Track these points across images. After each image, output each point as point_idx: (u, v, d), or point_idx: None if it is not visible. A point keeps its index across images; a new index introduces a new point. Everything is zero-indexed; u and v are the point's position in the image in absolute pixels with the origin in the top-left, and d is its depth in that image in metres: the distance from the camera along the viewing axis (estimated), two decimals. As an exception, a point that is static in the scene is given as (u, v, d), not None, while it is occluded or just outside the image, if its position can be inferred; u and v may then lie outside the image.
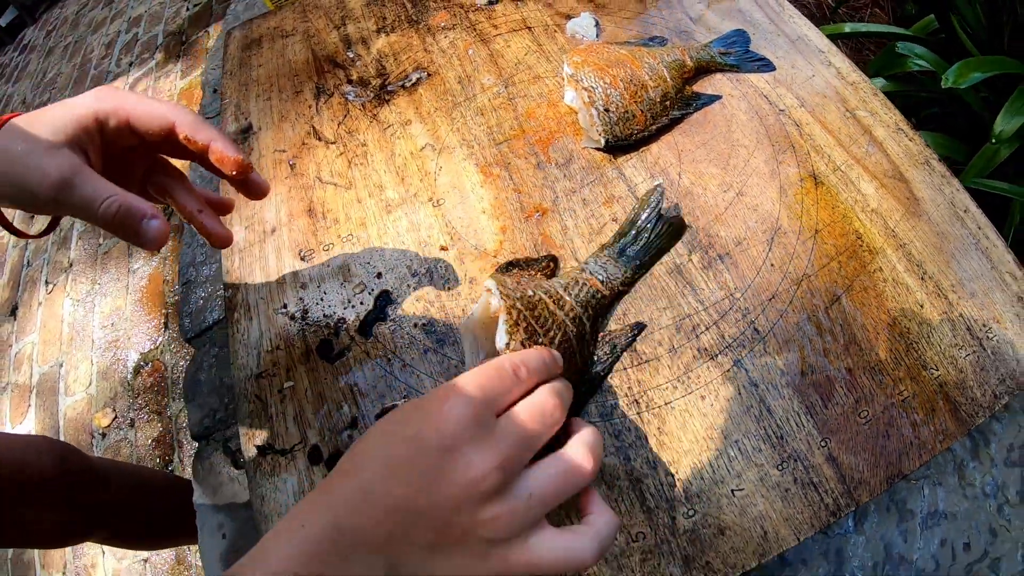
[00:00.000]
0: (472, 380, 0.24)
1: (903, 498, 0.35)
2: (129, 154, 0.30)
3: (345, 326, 0.36)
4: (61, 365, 1.27)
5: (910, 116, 0.69)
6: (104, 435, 1.14)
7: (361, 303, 0.36)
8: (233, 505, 0.39)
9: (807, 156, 0.40)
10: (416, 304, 0.36)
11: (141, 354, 1.22)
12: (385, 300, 0.36)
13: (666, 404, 0.33)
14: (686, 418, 0.32)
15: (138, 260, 1.41)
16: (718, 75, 0.43)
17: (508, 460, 0.23)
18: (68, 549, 1.05)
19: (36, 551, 1.06)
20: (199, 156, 0.30)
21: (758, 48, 0.44)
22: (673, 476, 0.31)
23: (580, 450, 0.24)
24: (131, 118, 0.29)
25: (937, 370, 0.34)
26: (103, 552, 1.03)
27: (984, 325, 0.35)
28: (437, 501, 0.22)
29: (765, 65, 0.43)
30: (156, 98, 0.30)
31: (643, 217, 0.36)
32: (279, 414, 0.34)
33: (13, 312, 1.48)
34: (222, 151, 0.29)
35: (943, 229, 0.38)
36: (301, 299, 0.37)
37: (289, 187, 0.42)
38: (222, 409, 0.42)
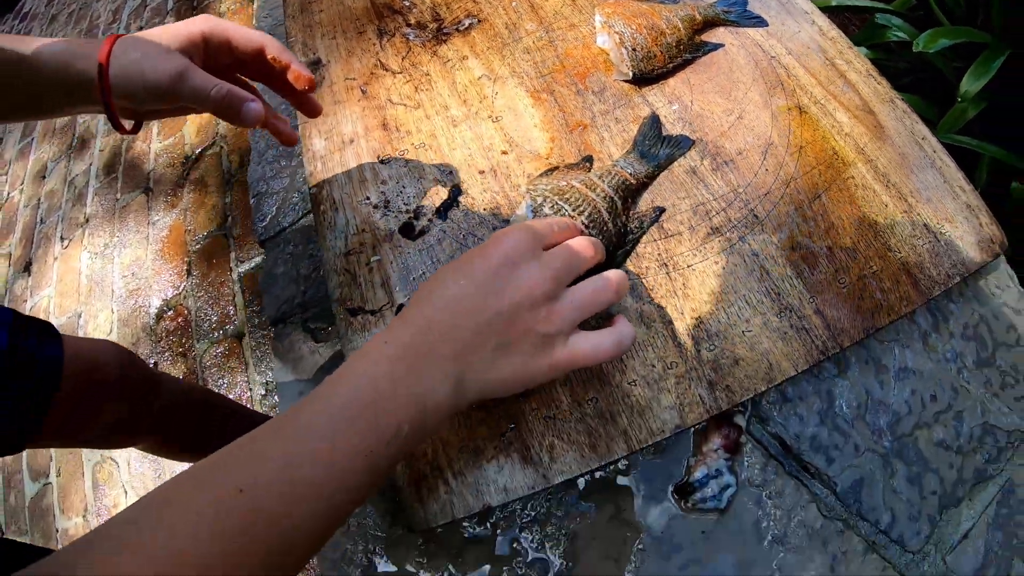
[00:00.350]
0: (520, 225, 0.32)
1: (878, 356, 0.44)
2: (221, 72, 0.38)
3: (424, 211, 0.43)
4: (80, 315, 1.29)
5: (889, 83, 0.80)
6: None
7: (436, 194, 0.44)
8: (313, 374, 0.45)
9: (793, 92, 0.49)
10: (484, 194, 0.44)
11: (164, 300, 1.25)
12: (457, 191, 0.44)
13: (688, 267, 0.41)
14: (704, 278, 0.41)
15: (158, 212, 1.44)
16: (721, 29, 0.53)
17: (558, 272, 0.31)
18: (88, 489, 1.08)
19: (55, 498, 1.08)
20: (276, 77, 0.39)
21: (754, 8, 0.54)
22: (697, 319, 0.40)
23: (609, 277, 0.32)
24: (231, 38, 0.37)
25: (900, 252, 0.43)
26: (124, 492, 1.06)
27: (938, 224, 0.45)
28: (501, 307, 0.29)
29: (760, 21, 0.53)
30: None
31: (646, 135, 0.45)
32: (368, 283, 0.42)
33: (27, 268, 1.49)
34: (299, 70, 0.38)
35: (904, 151, 0.48)
36: (383, 192, 0.45)
37: (363, 107, 0.50)
38: (299, 295, 0.48)
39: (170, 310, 1.22)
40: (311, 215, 0.51)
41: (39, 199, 1.70)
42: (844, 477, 0.40)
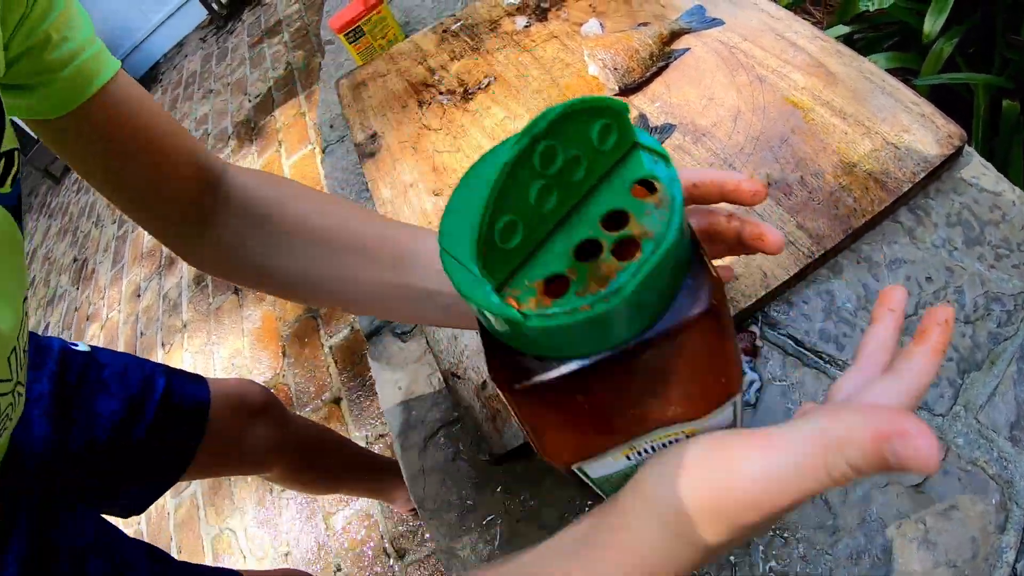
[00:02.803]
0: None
1: (867, 255, 0.55)
2: None
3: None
4: None
5: (871, 51, 0.93)
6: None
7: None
8: (403, 367, 0.63)
9: (752, 68, 0.65)
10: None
11: (264, 382, 1.50)
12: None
13: (684, 216, 0.56)
14: (698, 221, 0.55)
15: (249, 307, 1.74)
16: (687, 36, 0.70)
17: None
18: (210, 559, 1.29)
19: None
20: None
21: (711, 14, 0.71)
22: (696, 253, 0.54)
23: None
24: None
25: (865, 166, 0.56)
26: (244, 558, 1.26)
27: (896, 135, 0.57)
28: None
29: (717, 22, 0.70)
30: None
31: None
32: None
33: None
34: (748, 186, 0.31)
35: (855, 87, 0.61)
36: (440, 216, 0.64)
37: (416, 160, 0.71)
38: None
39: (271, 389, 1.48)
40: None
41: (137, 315, 2.07)
42: (857, 359, 0.51)
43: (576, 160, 0.19)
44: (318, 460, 0.90)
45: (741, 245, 0.34)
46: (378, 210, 0.68)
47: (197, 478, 0.72)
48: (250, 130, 2.37)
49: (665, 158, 0.20)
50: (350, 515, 1.25)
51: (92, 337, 2.16)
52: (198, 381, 0.70)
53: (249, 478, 1.36)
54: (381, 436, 1.28)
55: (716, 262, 0.30)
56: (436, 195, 0.66)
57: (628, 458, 0.26)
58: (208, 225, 0.38)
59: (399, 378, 0.63)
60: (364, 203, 0.75)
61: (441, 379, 0.59)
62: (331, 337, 1.50)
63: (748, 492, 0.21)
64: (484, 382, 0.54)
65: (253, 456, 0.77)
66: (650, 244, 0.18)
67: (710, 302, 0.20)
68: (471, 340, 0.56)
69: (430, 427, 0.59)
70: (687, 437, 0.24)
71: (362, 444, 1.29)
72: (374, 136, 0.76)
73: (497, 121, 0.70)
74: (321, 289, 0.40)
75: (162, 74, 3.46)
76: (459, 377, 0.54)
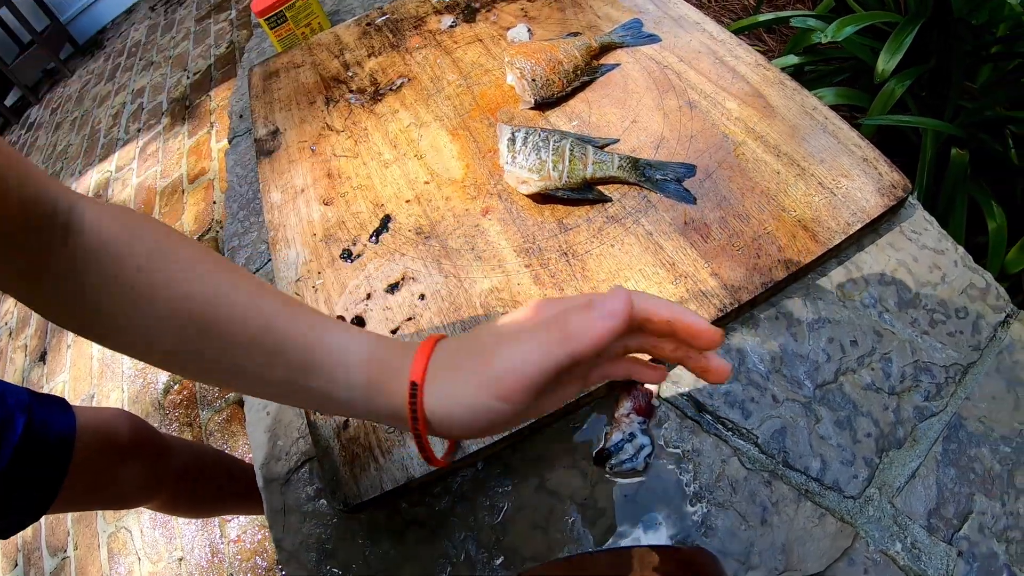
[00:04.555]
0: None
1: (789, 311, 0.51)
2: None
3: (359, 238, 0.56)
4: (92, 396, 1.50)
5: (821, 85, 0.90)
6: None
7: (370, 223, 0.57)
8: None
9: (684, 92, 0.61)
10: (409, 218, 0.56)
11: (169, 376, 1.45)
12: (387, 219, 0.57)
13: (586, 252, 0.51)
14: (601, 260, 0.51)
15: None
16: (619, 51, 0.66)
17: None
18: (105, 558, 1.24)
19: (73, 570, 1.25)
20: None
21: (649, 29, 0.67)
22: (594, 295, 0.49)
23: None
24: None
25: (795, 211, 0.51)
26: (139, 560, 1.20)
27: (834, 180, 0.53)
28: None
29: (653, 39, 0.66)
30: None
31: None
32: (314, 301, 0.54)
33: (43, 358, 1.75)
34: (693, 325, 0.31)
35: (795, 123, 0.57)
36: (326, 229, 0.58)
37: (312, 163, 0.65)
38: None
39: (176, 384, 1.43)
40: (269, 263, 0.65)
41: None
42: (764, 428, 0.46)
43: None
44: (200, 486, 0.84)
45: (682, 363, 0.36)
46: (265, 216, 0.62)
47: (65, 511, 0.67)
48: (184, 108, 2.32)
49: None
50: (245, 523, 1.23)
51: (6, 313, 2.06)
52: (64, 409, 0.65)
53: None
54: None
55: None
56: (325, 204, 0.61)
57: None
58: (45, 270, 0.32)
59: (267, 403, 0.57)
60: (259, 203, 0.69)
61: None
62: None
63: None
64: (345, 422, 0.48)
65: (127, 493, 0.72)
66: None
67: None
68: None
69: (294, 459, 0.53)
70: None
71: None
72: (275, 132, 0.71)
73: (402, 127, 0.65)
74: (188, 370, 0.36)
75: (107, 40, 3.38)
76: (320, 414, 0.49)
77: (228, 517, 1.22)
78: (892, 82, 0.78)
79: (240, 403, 1.36)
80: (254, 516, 1.20)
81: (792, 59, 0.90)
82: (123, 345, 0.35)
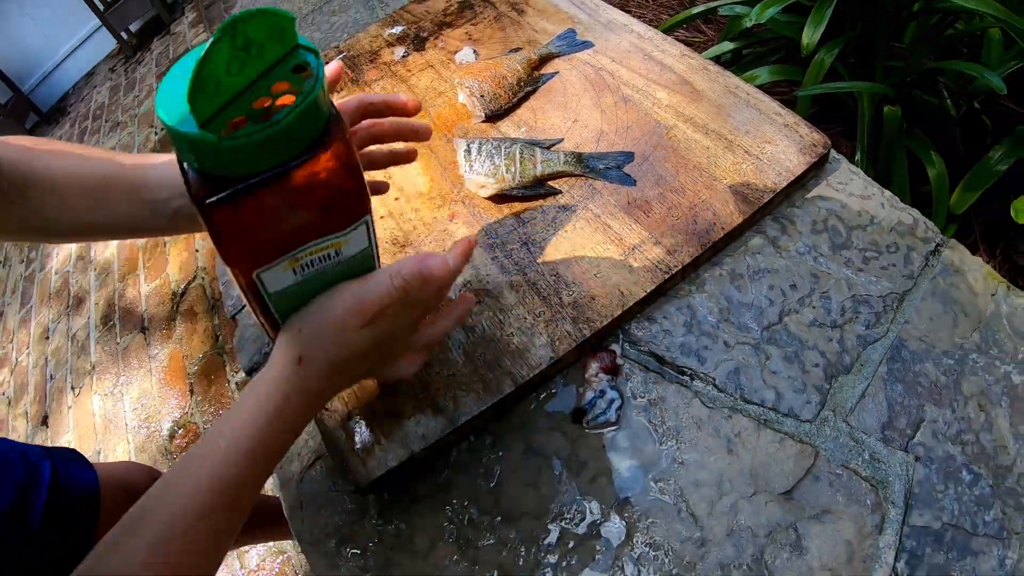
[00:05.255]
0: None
1: (730, 267, 0.57)
2: None
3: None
4: (99, 452, 1.56)
5: (757, 65, 0.98)
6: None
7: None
8: None
9: (618, 88, 0.68)
10: (384, 231, 0.64)
11: (173, 421, 1.53)
12: (364, 235, 0.64)
13: (543, 240, 0.58)
14: (557, 244, 0.58)
15: (156, 346, 1.79)
16: (557, 60, 0.74)
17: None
18: None
19: None
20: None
21: (582, 36, 0.75)
22: (556, 276, 0.56)
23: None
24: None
25: (726, 179, 0.58)
26: None
27: (759, 147, 0.60)
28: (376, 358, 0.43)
29: (586, 45, 0.74)
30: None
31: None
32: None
33: (44, 421, 1.83)
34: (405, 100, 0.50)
35: (720, 102, 0.64)
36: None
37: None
38: (265, 346, 0.68)
39: (180, 428, 1.49)
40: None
41: (46, 357, 2.10)
42: (720, 371, 0.53)
43: (259, 46, 0.30)
44: None
45: (399, 135, 0.52)
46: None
47: None
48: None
49: (315, 52, 0.33)
50: (263, 552, 1.26)
51: (3, 382, 2.15)
52: (84, 464, 0.69)
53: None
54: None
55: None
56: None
57: (295, 272, 0.36)
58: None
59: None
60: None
61: (310, 423, 0.59)
62: (237, 373, 1.55)
63: (344, 306, 0.38)
64: (349, 412, 0.54)
65: None
66: (300, 96, 0.31)
67: (340, 138, 0.33)
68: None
69: (307, 458, 0.59)
70: (336, 254, 0.37)
71: (269, 481, 1.30)
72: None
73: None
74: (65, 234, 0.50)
75: (70, 106, 3.50)
76: (326, 409, 0.55)
77: (245, 548, 1.26)
78: (821, 53, 0.85)
79: None
80: (271, 544, 1.24)
81: (728, 45, 0.98)
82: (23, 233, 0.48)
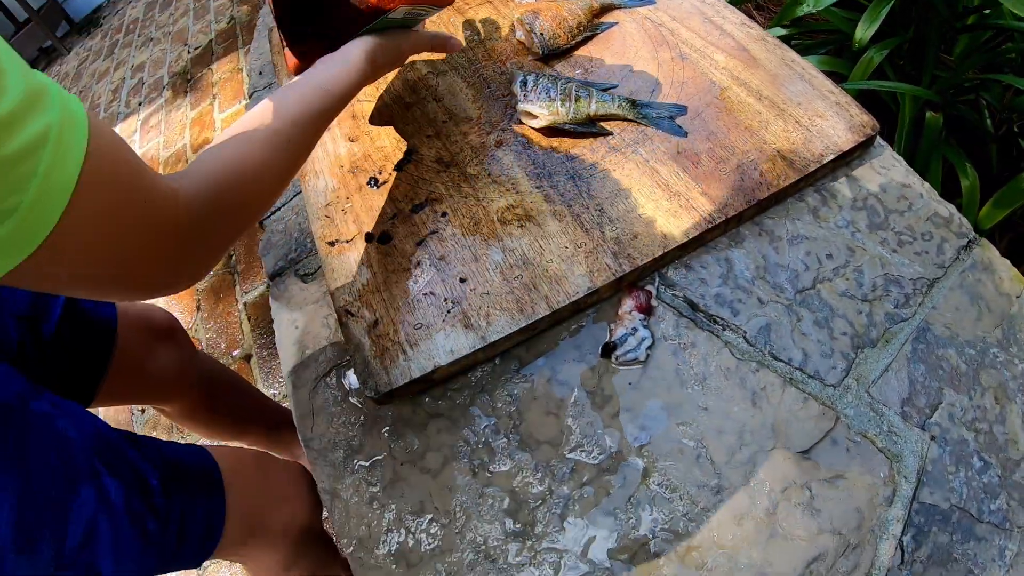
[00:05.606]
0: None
1: (770, 229, 0.58)
2: None
3: (382, 168, 0.62)
4: None
5: (805, 55, 0.99)
6: (143, 410, 1.38)
7: (394, 155, 0.63)
8: (302, 307, 0.63)
9: (676, 46, 0.68)
10: (430, 150, 0.63)
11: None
12: (410, 151, 0.63)
13: (590, 176, 0.58)
14: (604, 181, 0.57)
15: None
16: (617, 11, 0.74)
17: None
18: None
19: None
20: None
21: (644, -6, 0.75)
22: (600, 210, 0.56)
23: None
24: None
25: (775, 144, 0.59)
26: None
27: (809, 119, 0.61)
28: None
29: (648, 1, 0.73)
30: None
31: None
32: (343, 222, 0.60)
33: None
34: None
35: (775, 72, 0.65)
36: (352, 161, 0.64)
37: (335, 111, 0.71)
38: (291, 252, 0.67)
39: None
40: (299, 195, 0.71)
41: None
42: (751, 325, 0.53)
43: None
44: (220, 400, 0.89)
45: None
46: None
47: (105, 405, 0.71)
48: (186, 82, 2.37)
49: None
50: None
51: None
52: (103, 301, 0.69)
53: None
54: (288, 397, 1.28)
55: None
56: (351, 141, 0.67)
57: (405, 12, 0.53)
58: None
59: (296, 318, 0.62)
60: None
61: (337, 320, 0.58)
62: (246, 294, 1.52)
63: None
64: (376, 320, 0.53)
65: (158, 381, 0.76)
66: None
67: None
68: (368, 279, 0.56)
69: (323, 367, 0.59)
70: (416, 15, 0.56)
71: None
72: (296, 88, 0.77)
73: (420, 75, 0.72)
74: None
75: (103, 19, 3.43)
76: (352, 315, 0.54)
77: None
78: (871, 51, 0.86)
79: (246, 358, 1.40)
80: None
81: (779, 31, 0.99)
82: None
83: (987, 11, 0.92)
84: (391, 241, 0.57)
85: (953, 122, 0.86)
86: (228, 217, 0.42)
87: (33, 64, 3.36)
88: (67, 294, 0.39)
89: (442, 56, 0.65)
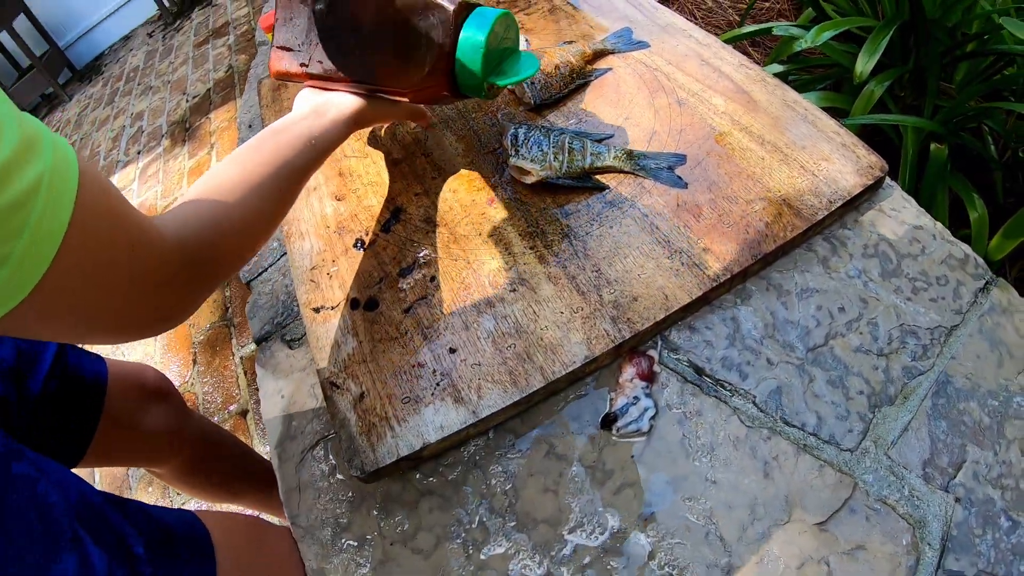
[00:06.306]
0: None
1: (778, 283, 0.55)
2: None
3: (369, 229, 0.61)
4: None
5: (804, 91, 0.98)
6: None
7: (381, 215, 0.62)
8: (288, 375, 0.61)
9: (673, 91, 0.67)
10: (419, 209, 0.61)
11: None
12: (398, 210, 0.62)
13: (586, 234, 0.56)
14: (601, 240, 0.55)
15: None
16: (611, 56, 0.72)
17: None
18: None
19: None
20: None
21: (638, 36, 0.74)
22: (597, 272, 0.53)
23: None
24: None
25: (780, 192, 0.57)
26: None
27: (815, 164, 0.58)
28: None
29: (642, 45, 0.72)
30: None
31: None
32: (328, 287, 0.58)
33: None
34: None
35: (777, 115, 0.63)
36: (339, 222, 0.63)
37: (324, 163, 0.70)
38: (278, 316, 0.65)
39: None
40: (285, 256, 0.70)
41: None
42: (761, 388, 0.50)
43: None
44: (214, 461, 0.87)
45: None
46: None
47: (95, 465, 0.70)
48: (184, 130, 2.42)
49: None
50: None
51: None
52: (94, 355, 0.69)
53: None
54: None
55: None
56: (338, 200, 0.66)
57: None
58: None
59: (282, 387, 0.60)
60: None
61: (322, 393, 0.56)
62: (243, 347, 1.51)
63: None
64: (362, 394, 0.51)
65: (150, 442, 0.75)
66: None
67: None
68: (354, 348, 0.54)
69: (309, 439, 0.57)
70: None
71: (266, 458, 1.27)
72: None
73: (409, 129, 0.71)
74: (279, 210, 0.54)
75: (105, 66, 3.52)
76: (338, 387, 0.52)
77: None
78: (872, 84, 0.85)
79: (243, 413, 1.38)
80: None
81: (776, 68, 0.98)
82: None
83: (986, 36, 0.90)
84: (378, 308, 0.55)
85: (957, 151, 0.83)
86: (213, 261, 0.42)
87: (35, 111, 3.47)
88: (47, 339, 0.39)
89: (423, 122, 0.66)
